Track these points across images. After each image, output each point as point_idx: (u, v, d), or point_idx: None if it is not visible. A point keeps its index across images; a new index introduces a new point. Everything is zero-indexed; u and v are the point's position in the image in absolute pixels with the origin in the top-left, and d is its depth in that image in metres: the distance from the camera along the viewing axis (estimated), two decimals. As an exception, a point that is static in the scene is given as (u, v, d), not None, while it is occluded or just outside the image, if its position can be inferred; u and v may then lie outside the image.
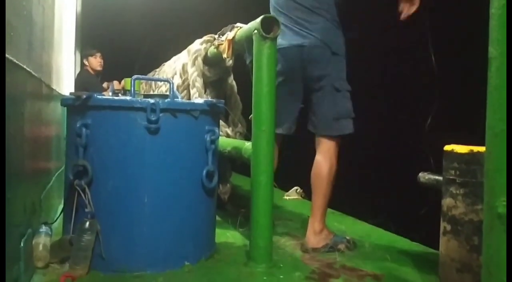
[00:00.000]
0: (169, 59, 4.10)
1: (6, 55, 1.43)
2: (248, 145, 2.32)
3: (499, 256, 1.02)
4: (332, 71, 2.43)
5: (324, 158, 2.43)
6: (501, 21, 1.03)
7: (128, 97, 2.11)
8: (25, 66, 1.77)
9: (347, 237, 2.50)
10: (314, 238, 2.41)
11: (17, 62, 1.60)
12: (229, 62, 3.14)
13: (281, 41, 2.36)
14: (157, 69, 4.83)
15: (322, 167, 2.42)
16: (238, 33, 2.55)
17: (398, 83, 5.55)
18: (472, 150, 1.82)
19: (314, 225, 2.42)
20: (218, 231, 2.43)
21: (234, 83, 3.37)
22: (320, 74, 2.43)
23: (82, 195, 1.97)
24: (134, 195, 2.02)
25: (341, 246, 2.41)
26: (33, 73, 1.98)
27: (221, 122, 3.01)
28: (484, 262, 1.09)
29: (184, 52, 3.38)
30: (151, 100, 2.00)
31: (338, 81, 2.45)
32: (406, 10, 2.27)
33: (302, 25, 2.44)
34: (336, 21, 2.49)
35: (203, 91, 3.11)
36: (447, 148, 1.92)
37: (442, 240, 1.94)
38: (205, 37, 3.16)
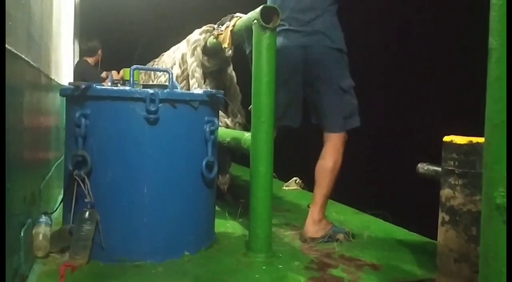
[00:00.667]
0: (168, 49, 4.08)
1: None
2: (247, 135, 2.32)
3: (497, 246, 1.03)
4: (338, 70, 2.43)
5: (331, 152, 2.47)
6: (502, 12, 1.03)
7: (127, 88, 2.10)
8: (23, 56, 1.76)
9: (346, 229, 2.52)
10: (313, 227, 2.42)
11: (15, 52, 1.60)
12: (229, 52, 3.13)
13: (283, 41, 2.37)
14: (156, 59, 4.81)
15: (327, 160, 2.46)
16: (237, 23, 2.54)
17: (397, 76, 5.54)
18: (471, 141, 1.82)
19: (313, 214, 2.44)
20: (217, 221, 2.44)
21: (233, 73, 3.36)
22: (326, 75, 2.42)
23: (82, 185, 1.97)
24: (133, 185, 2.02)
25: (340, 236, 2.42)
26: (31, 63, 1.97)
27: (221, 113, 3.01)
28: (482, 252, 1.09)
29: (184, 42, 3.37)
30: (150, 91, 2.00)
31: (343, 80, 2.45)
32: None
33: (304, 24, 2.41)
34: (337, 16, 2.48)
35: (203, 81, 3.10)
36: (446, 138, 1.92)
37: (441, 230, 1.95)
38: (205, 27, 3.15)
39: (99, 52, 5.72)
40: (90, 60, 5.72)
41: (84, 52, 5.82)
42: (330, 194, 2.49)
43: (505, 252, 1.01)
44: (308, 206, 2.69)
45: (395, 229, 2.75)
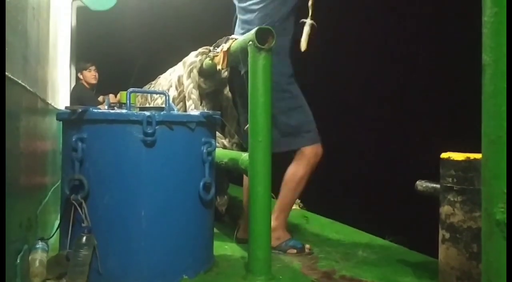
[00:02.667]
0: (164, 71, 4.10)
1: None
2: (245, 155, 2.31)
3: (498, 263, 1.02)
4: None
5: (294, 165, 2.59)
6: (493, 28, 1.04)
7: (123, 111, 2.11)
8: (20, 81, 1.76)
9: (307, 246, 2.55)
10: None
11: (12, 77, 1.60)
12: (225, 73, 3.15)
13: None
14: (153, 82, 4.82)
15: (289, 171, 2.59)
16: (233, 44, 2.56)
17: (395, 93, 5.58)
18: (468, 157, 1.82)
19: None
20: (216, 243, 2.42)
21: (229, 94, 3.37)
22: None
23: (79, 210, 1.95)
24: (131, 209, 2.00)
25: (291, 251, 2.49)
26: (28, 88, 1.97)
27: (218, 133, 3.01)
28: (483, 269, 1.08)
29: (180, 64, 3.39)
30: (147, 113, 2.00)
31: (275, 103, 2.49)
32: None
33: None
34: (282, 29, 2.55)
35: (199, 103, 3.11)
36: (444, 155, 1.92)
37: (441, 248, 1.93)
38: (200, 49, 3.17)
39: (81, 75, 5.74)
40: (86, 83, 5.76)
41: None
42: (289, 203, 2.61)
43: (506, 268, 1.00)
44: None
45: (395, 247, 2.73)
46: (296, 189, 2.57)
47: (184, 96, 3.16)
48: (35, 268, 1.94)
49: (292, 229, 3.21)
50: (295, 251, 2.51)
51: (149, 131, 1.98)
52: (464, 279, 1.82)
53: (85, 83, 5.77)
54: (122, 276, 1.97)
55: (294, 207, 4.04)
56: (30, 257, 1.94)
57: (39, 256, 1.97)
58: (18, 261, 1.71)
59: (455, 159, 1.86)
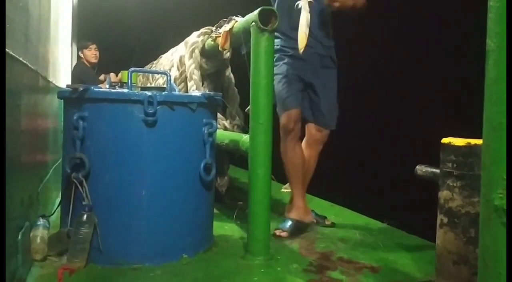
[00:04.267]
0: (166, 51, 4.08)
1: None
2: (245, 137, 2.32)
3: (495, 248, 1.02)
4: None
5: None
6: (499, 13, 1.03)
7: (125, 90, 2.10)
8: (21, 59, 1.75)
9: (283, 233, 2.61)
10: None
11: (13, 54, 1.59)
12: (227, 54, 3.13)
13: None
14: (154, 62, 4.80)
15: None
16: (235, 25, 2.54)
17: (396, 76, 5.54)
18: (469, 143, 1.82)
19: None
20: (216, 223, 2.44)
21: (231, 75, 3.36)
22: None
23: (80, 188, 1.96)
24: (131, 188, 2.02)
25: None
26: (29, 65, 1.96)
27: (219, 115, 3.01)
28: (480, 254, 1.09)
29: (182, 44, 3.37)
30: (148, 93, 2.00)
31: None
32: None
33: None
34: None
35: (201, 83, 3.10)
36: (445, 140, 1.92)
37: (439, 233, 1.94)
38: (203, 30, 3.15)
39: (82, 53, 5.70)
40: (86, 62, 5.72)
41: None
42: (289, 178, 2.70)
43: (504, 254, 1.00)
44: None
45: (393, 231, 2.74)
46: (285, 160, 2.60)
47: (186, 77, 3.14)
48: (36, 244, 1.97)
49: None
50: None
51: (150, 111, 1.98)
52: (461, 263, 1.83)
53: (86, 62, 5.73)
54: (122, 253, 1.99)
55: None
56: (31, 234, 1.97)
57: (40, 233, 2.00)
58: (20, 238, 1.73)
59: (455, 144, 1.86)
